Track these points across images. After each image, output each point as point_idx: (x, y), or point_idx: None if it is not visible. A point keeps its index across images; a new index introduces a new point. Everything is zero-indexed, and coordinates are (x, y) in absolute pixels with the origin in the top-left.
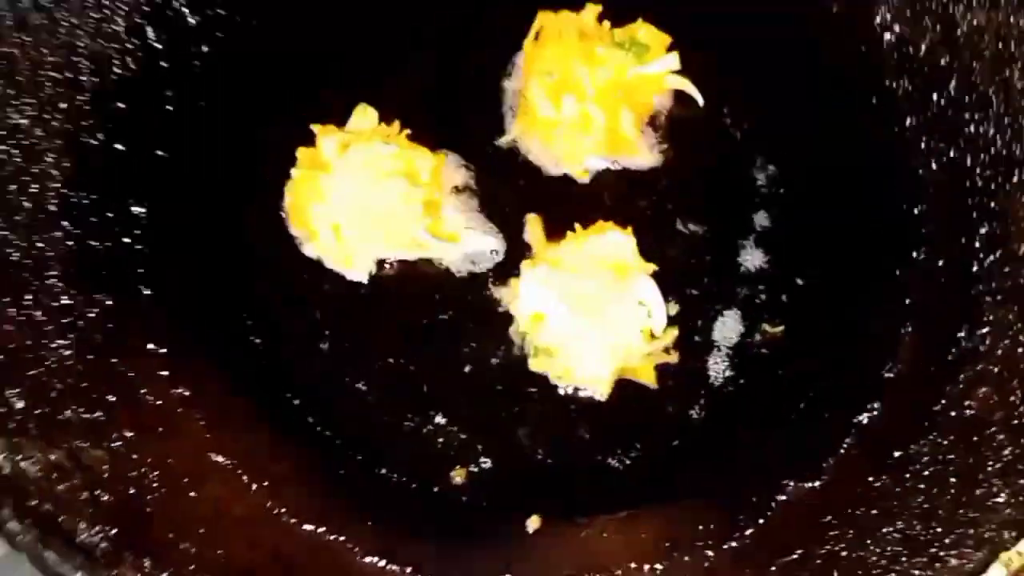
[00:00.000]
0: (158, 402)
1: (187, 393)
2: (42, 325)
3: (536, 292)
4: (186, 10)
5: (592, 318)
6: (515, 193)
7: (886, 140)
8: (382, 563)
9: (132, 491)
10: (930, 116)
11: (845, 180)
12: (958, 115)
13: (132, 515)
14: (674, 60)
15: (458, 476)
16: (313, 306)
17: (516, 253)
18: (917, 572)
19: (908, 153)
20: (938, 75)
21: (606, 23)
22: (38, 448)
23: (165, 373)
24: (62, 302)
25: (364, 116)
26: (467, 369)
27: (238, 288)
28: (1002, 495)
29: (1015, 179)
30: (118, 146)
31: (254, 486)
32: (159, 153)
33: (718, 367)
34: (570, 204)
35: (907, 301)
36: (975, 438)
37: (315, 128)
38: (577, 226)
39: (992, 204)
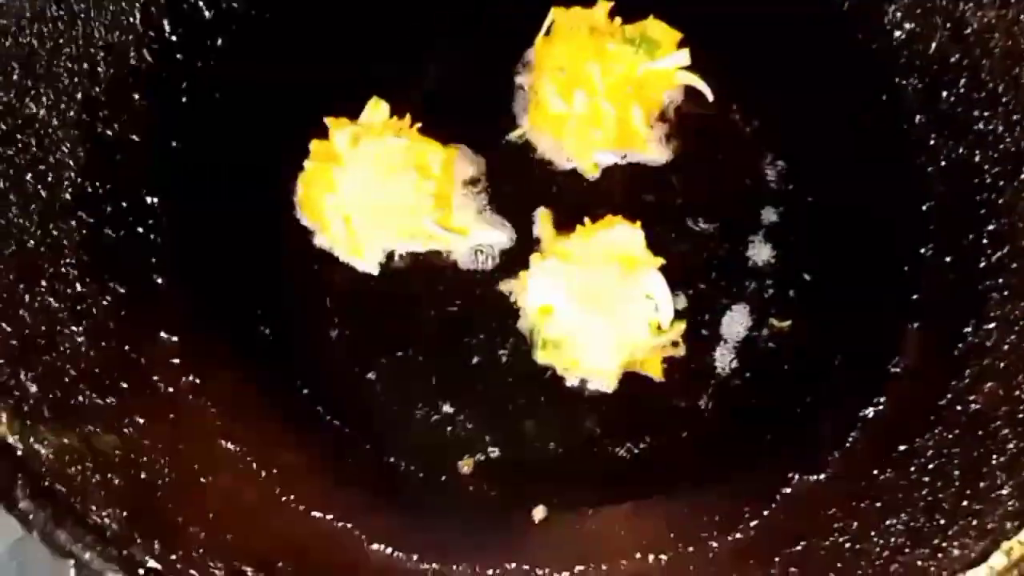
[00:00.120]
0: (169, 389)
1: (198, 381)
2: (56, 312)
3: (545, 285)
4: (201, 3)
5: (600, 311)
6: (525, 187)
7: (895, 137)
8: (389, 550)
9: (143, 475)
10: (939, 113)
11: (853, 176)
12: (967, 112)
13: (143, 499)
14: (684, 56)
15: (466, 466)
16: (324, 296)
17: (525, 246)
18: (920, 563)
19: (917, 150)
20: (947, 72)
21: (617, 19)
22: (51, 431)
23: (176, 361)
24: (76, 290)
25: (376, 109)
26: (475, 360)
27: (250, 278)
28: (1006, 488)
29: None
30: (133, 137)
31: (263, 473)
32: (173, 144)
33: (725, 361)
34: (579, 198)
35: (914, 296)
36: (980, 432)
37: (328, 121)
38: (586, 220)
39: (1000, 200)
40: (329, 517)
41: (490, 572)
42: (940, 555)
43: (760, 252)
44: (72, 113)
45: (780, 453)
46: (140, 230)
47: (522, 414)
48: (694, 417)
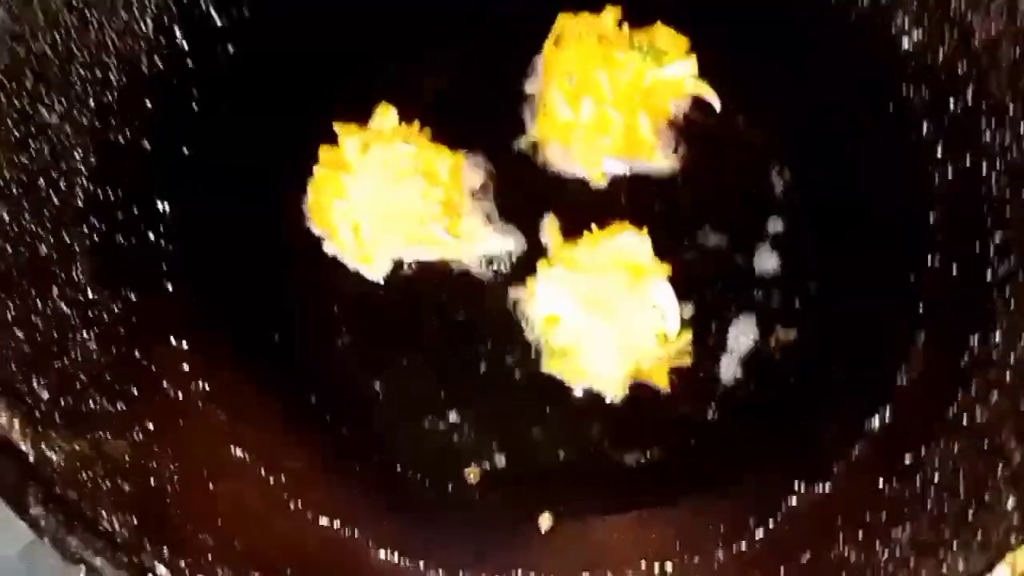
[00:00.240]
0: (179, 395)
1: (207, 387)
2: (68, 318)
3: (552, 292)
4: (213, 11)
5: (607, 319)
6: (532, 194)
7: (902, 147)
8: (395, 557)
9: (153, 481)
10: (946, 123)
11: (860, 186)
12: (974, 123)
13: (152, 505)
14: (692, 64)
15: (472, 474)
16: (332, 303)
17: (533, 253)
18: (924, 574)
19: (924, 160)
20: (955, 83)
21: (625, 26)
22: (62, 438)
23: (186, 367)
24: (88, 296)
25: (385, 116)
26: (482, 368)
27: (259, 285)
28: (1011, 501)
29: None
30: (145, 144)
31: (271, 480)
32: (185, 151)
33: (731, 370)
34: (587, 206)
35: (920, 307)
36: (985, 445)
37: (337, 127)
38: (593, 227)
39: (1007, 212)
40: (336, 523)
41: None
42: (945, 568)
43: (767, 261)
44: (84, 120)
45: (786, 463)
46: (151, 236)
47: (528, 422)
48: (700, 427)
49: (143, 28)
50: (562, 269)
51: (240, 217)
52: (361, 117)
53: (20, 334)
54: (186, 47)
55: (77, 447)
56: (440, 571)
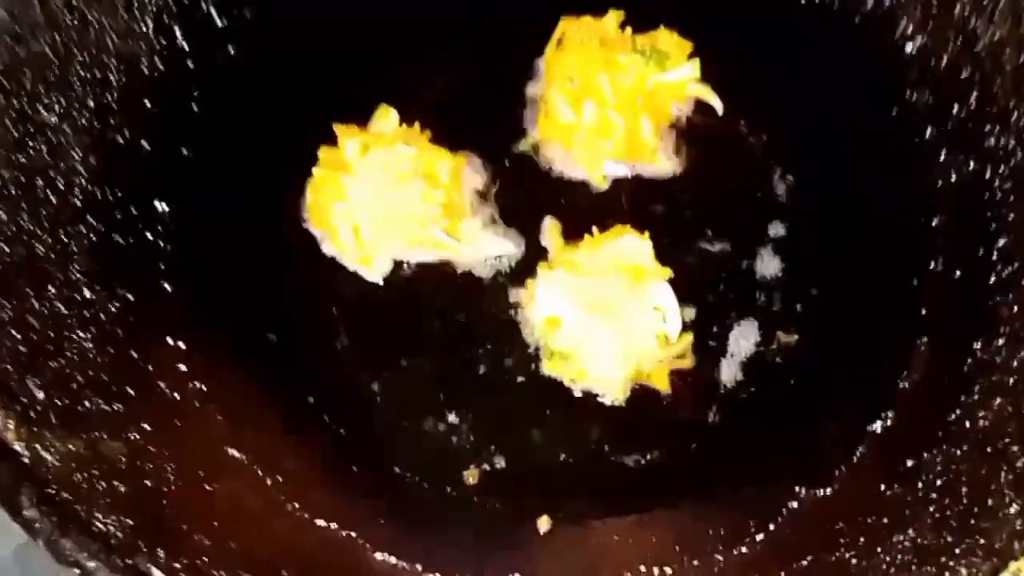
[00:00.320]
0: (176, 396)
1: (205, 388)
2: (64, 318)
3: (552, 295)
4: (214, 12)
5: (608, 322)
6: (533, 196)
7: (905, 151)
8: (392, 559)
9: (148, 483)
10: (950, 128)
11: (863, 190)
12: (978, 127)
13: (148, 506)
14: (694, 68)
15: (471, 476)
16: (330, 305)
17: (533, 256)
18: None
19: (927, 164)
20: (959, 87)
21: (628, 30)
22: (58, 438)
23: (183, 368)
24: (85, 296)
25: (386, 118)
26: (482, 370)
27: (257, 285)
28: (1013, 506)
29: None
30: (144, 144)
31: (268, 481)
32: (184, 152)
33: (732, 374)
34: (588, 208)
35: (923, 311)
36: (988, 449)
37: (337, 129)
38: (595, 230)
39: (1010, 216)
40: (333, 525)
41: None
42: (947, 573)
43: (768, 265)
44: (83, 120)
45: (787, 467)
46: (149, 236)
47: (528, 424)
48: (701, 430)
49: (143, 28)
50: (563, 272)
51: (239, 217)
52: (361, 118)
53: (16, 334)
54: (186, 48)
55: (72, 448)
56: (438, 574)
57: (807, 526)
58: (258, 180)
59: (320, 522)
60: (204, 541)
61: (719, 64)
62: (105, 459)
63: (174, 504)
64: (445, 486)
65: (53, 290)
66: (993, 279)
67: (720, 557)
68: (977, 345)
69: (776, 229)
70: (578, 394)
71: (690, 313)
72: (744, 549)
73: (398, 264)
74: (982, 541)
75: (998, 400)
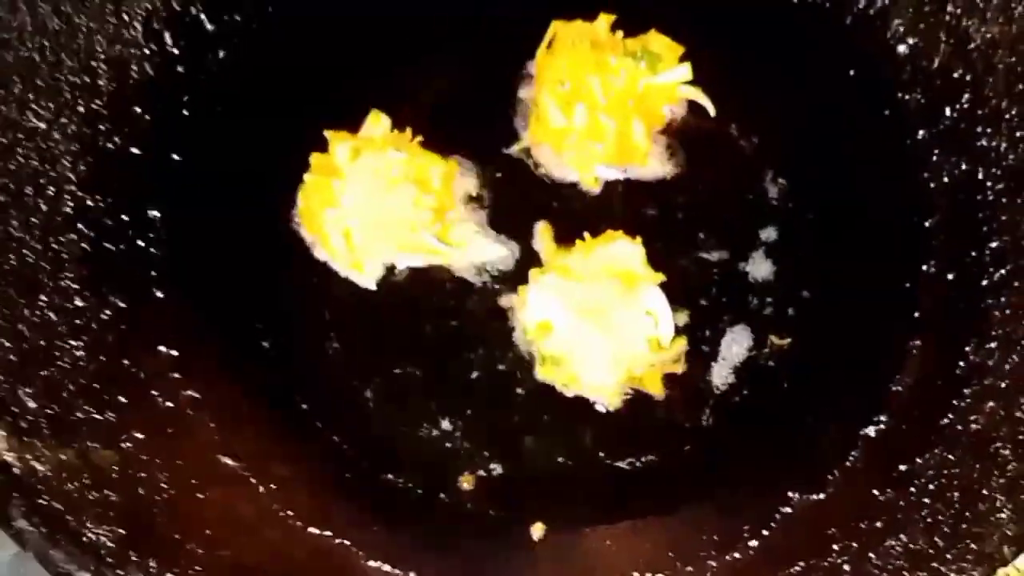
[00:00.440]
0: (168, 404)
1: (197, 395)
2: (55, 326)
3: (544, 300)
4: (203, 16)
5: (600, 327)
6: (525, 201)
7: (897, 152)
8: (386, 567)
9: (140, 491)
10: (942, 129)
11: (855, 192)
12: (970, 128)
13: (140, 515)
14: (686, 71)
15: (465, 482)
16: (322, 310)
17: (525, 261)
18: None
19: (919, 166)
20: (951, 88)
21: (619, 33)
22: (49, 447)
23: (176, 375)
24: (76, 304)
25: (377, 123)
26: (474, 376)
27: (249, 291)
28: (1005, 511)
29: None
30: (134, 150)
31: (261, 488)
32: (174, 157)
33: (724, 378)
34: (580, 213)
35: (915, 314)
36: (980, 452)
37: (328, 134)
38: (586, 235)
39: (1003, 218)
40: (327, 533)
41: None
42: None
43: (761, 268)
44: (73, 126)
45: (780, 471)
46: (140, 243)
47: (521, 430)
48: (694, 434)
49: (132, 33)
50: (555, 276)
51: (230, 223)
52: (353, 123)
53: (6, 342)
54: (176, 52)
55: (64, 457)
56: None
57: (800, 531)
58: (249, 185)
59: (313, 530)
60: (197, 550)
61: (711, 66)
62: (97, 469)
63: (166, 513)
64: (438, 492)
65: (44, 298)
66: (986, 281)
67: (713, 563)
68: (970, 348)
69: (768, 232)
70: (571, 400)
71: (683, 317)
72: (737, 554)
73: (390, 269)
74: (974, 546)
75: (990, 403)
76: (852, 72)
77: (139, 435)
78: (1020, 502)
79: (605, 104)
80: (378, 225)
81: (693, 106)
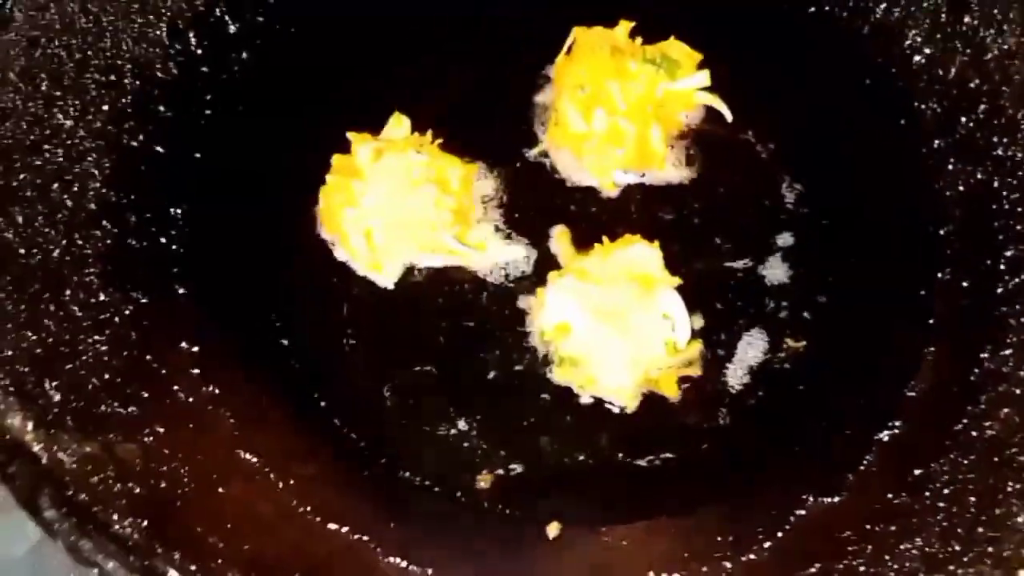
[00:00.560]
0: (189, 399)
1: (217, 391)
2: (79, 321)
3: (562, 302)
4: (227, 18)
5: (617, 329)
6: (544, 204)
7: (913, 161)
8: (403, 564)
9: (163, 485)
10: (958, 138)
11: (871, 200)
12: (986, 138)
13: (163, 508)
14: (704, 77)
15: (483, 481)
16: (342, 309)
17: (543, 263)
18: None
19: (935, 174)
20: (967, 98)
21: (638, 39)
22: (74, 440)
23: (197, 371)
24: (99, 299)
25: (398, 125)
26: (492, 375)
27: (270, 290)
28: (1021, 516)
29: None
30: (158, 148)
31: (280, 484)
32: (197, 156)
33: (740, 381)
34: (598, 216)
35: (931, 321)
36: (995, 458)
37: (350, 135)
38: (604, 238)
39: (1018, 226)
40: (345, 529)
41: None
42: None
43: (777, 273)
44: (98, 124)
45: (795, 475)
46: (162, 240)
47: (537, 430)
48: (710, 436)
49: (157, 33)
50: (572, 279)
51: (251, 222)
52: (374, 125)
53: (33, 336)
54: (200, 53)
55: (88, 449)
56: None
57: (815, 534)
58: (270, 185)
59: (331, 526)
60: (218, 543)
61: (728, 73)
62: (121, 461)
63: (187, 506)
64: (455, 491)
65: (68, 293)
66: (1001, 289)
67: (728, 564)
68: (985, 354)
69: (784, 237)
70: (587, 400)
71: (699, 320)
72: (752, 556)
73: (409, 270)
74: (990, 550)
75: (1006, 410)
76: (868, 81)
77: (160, 429)
78: None
79: (624, 109)
80: (398, 226)
81: (710, 112)
